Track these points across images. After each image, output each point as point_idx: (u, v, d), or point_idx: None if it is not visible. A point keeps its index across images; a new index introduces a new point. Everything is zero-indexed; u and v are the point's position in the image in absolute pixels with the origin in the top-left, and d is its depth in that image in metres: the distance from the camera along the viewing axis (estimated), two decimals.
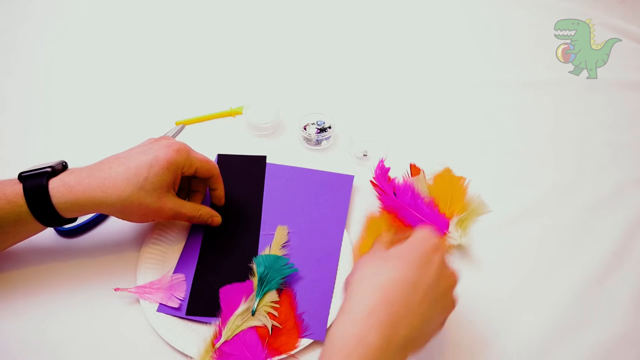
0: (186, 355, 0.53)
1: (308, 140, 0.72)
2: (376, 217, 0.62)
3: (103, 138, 0.73)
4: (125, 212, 0.54)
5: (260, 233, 0.62)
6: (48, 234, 0.60)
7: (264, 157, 0.69)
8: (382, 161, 0.65)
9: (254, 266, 0.57)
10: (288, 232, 0.61)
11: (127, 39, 0.88)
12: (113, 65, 0.83)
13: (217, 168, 0.60)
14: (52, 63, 0.83)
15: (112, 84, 0.80)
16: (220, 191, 0.62)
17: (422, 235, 0.47)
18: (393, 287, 0.43)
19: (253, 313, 0.54)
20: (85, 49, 0.86)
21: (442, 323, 0.47)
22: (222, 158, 0.69)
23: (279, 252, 0.59)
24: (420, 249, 0.46)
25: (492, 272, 0.60)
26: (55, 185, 0.52)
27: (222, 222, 0.62)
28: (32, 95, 0.79)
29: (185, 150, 0.56)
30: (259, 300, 0.55)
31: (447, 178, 0.65)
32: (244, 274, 0.57)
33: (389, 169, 0.65)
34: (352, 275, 0.47)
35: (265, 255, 0.58)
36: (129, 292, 0.56)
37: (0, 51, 0.85)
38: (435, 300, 0.44)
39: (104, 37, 0.88)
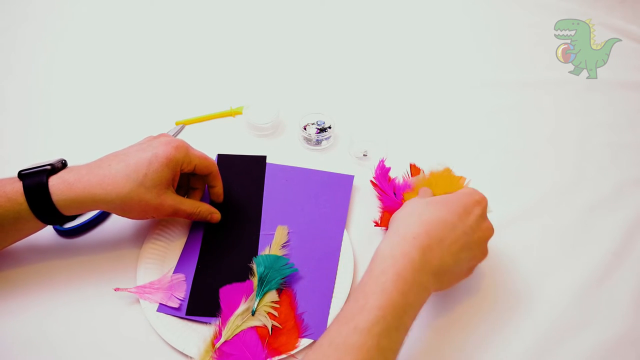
0: (186, 355, 0.53)
1: (308, 140, 0.72)
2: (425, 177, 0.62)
3: (103, 138, 0.73)
4: (124, 208, 0.54)
5: (261, 233, 0.62)
6: (48, 234, 0.60)
7: (264, 157, 0.69)
8: (382, 161, 0.65)
9: (254, 266, 0.56)
10: (288, 232, 0.61)
11: (127, 39, 0.88)
12: (113, 65, 0.83)
13: (216, 165, 0.60)
14: (52, 63, 0.83)
15: (112, 84, 0.81)
16: (218, 188, 0.62)
17: (468, 190, 0.55)
18: (435, 224, 0.50)
19: (253, 313, 0.54)
20: (85, 49, 0.86)
21: (470, 269, 0.54)
22: (222, 158, 0.69)
23: (279, 252, 0.59)
24: (463, 199, 0.53)
25: (492, 272, 0.60)
26: (55, 183, 0.52)
27: (222, 222, 0.62)
28: (32, 95, 0.79)
29: (184, 147, 0.56)
30: (259, 300, 0.55)
31: (447, 178, 0.65)
32: (244, 273, 0.57)
33: (389, 169, 0.65)
34: (400, 212, 0.53)
35: (265, 256, 0.58)
36: (129, 292, 0.56)
37: (0, 51, 0.85)
38: (468, 246, 0.51)
39: (104, 37, 0.88)
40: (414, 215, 0.51)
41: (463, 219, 0.51)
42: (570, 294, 0.59)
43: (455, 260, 0.50)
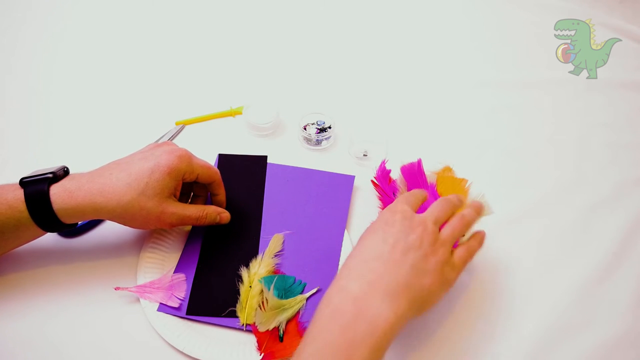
0: (186, 355, 0.53)
1: (308, 140, 0.72)
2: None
3: (103, 138, 0.73)
4: (126, 217, 0.54)
5: (261, 235, 0.62)
6: (48, 234, 0.60)
7: (265, 157, 0.69)
8: (383, 163, 0.65)
9: (265, 289, 0.56)
10: (283, 242, 0.61)
11: (127, 40, 0.88)
12: (113, 65, 0.84)
13: (219, 174, 0.60)
14: (52, 64, 0.83)
15: (112, 84, 0.81)
16: (221, 196, 0.61)
17: (385, 209, 0.53)
18: (365, 250, 0.49)
19: (281, 339, 0.54)
20: (85, 49, 0.86)
21: (438, 271, 0.48)
22: (223, 158, 0.69)
23: (271, 262, 0.59)
24: (383, 216, 0.52)
25: (492, 271, 0.60)
26: (56, 191, 0.52)
27: (222, 225, 0.61)
28: (32, 95, 0.79)
29: (187, 157, 0.56)
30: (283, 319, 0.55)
31: (448, 180, 0.65)
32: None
33: (389, 171, 0.65)
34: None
35: (271, 278, 0.57)
36: (130, 291, 0.56)
37: (0, 51, 0.85)
38: (408, 249, 0.48)
39: (104, 38, 0.88)
40: (351, 255, 0.50)
41: (389, 230, 0.49)
42: (570, 294, 0.59)
43: (408, 268, 0.47)
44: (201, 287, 0.57)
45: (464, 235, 0.54)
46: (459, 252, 0.51)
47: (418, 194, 0.55)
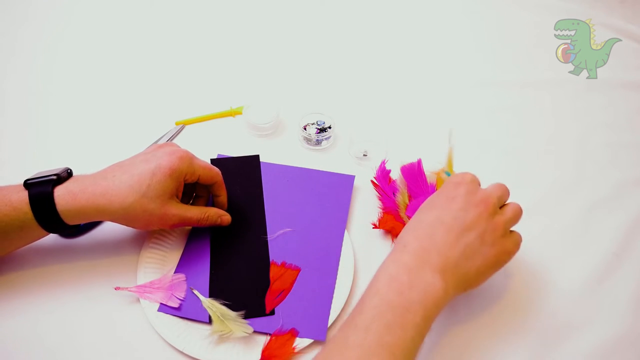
0: (186, 355, 0.53)
1: (308, 140, 0.72)
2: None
3: (103, 138, 0.73)
4: (128, 219, 0.55)
5: (268, 234, 0.62)
6: (49, 234, 0.60)
7: (257, 157, 0.69)
8: (383, 163, 0.65)
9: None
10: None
11: (127, 40, 0.88)
12: (113, 65, 0.84)
13: (220, 175, 0.60)
14: (52, 64, 0.83)
15: (112, 84, 0.81)
16: (223, 197, 0.62)
17: (448, 179, 0.55)
18: (423, 226, 0.51)
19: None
20: (85, 49, 0.86)
21: (495, 254, 0.50)
22: (215, 162, 0.68)
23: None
24: (444, 190, 0.54)
25: None
26: (60, 193, 0.52)
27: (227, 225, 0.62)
28: (32, 95, 0.79)
29: (189, 158, 0.56)
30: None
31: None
32: (261, 277, 0.58)
33: (389, 171, 0.65)
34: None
35: None
36: (130, 291, 0.56)
37: (0, 52, 0.85)
38: (466, 229, 0.50)
39: (104, 38, 0.88)
40: (407, 225, 0.53)
41: (448, 207, 0.51)
42: (570, 294, 0.59)
43: (461, 249, 0.49)
44: (217, 293, 0.57)
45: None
46: (514, 235, 0.53)
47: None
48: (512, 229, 0.53)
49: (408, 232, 0.51)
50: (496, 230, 0.51)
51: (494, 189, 0.53)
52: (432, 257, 0.49)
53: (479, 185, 0.54)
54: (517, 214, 0.53)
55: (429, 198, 0.54)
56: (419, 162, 0.63)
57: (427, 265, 0.48)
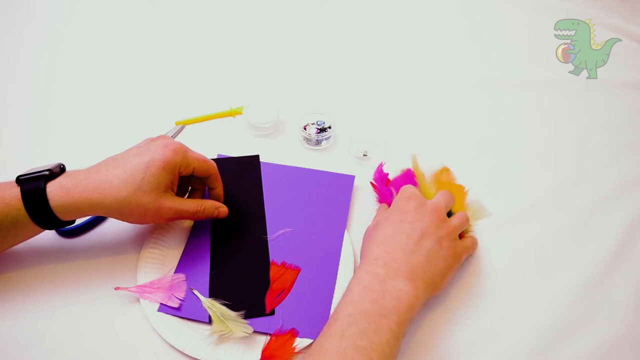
0: (186, 355, 0.53)
1: (308, 140, 0.72)
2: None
3: (103, 138, 0.73)
4: (123, 213, 0.54)
5: (267, 235, 0.62)
6: (48, 234, 0.60)
7: (257, 157, 0.69)
8: (381, 165, 0.65)
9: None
10: None
11: (127, 40, 0.88)
12: (113, 65, 0.84)
13: (215, 167, 0.60)
14: (52, 63, 0.83)
15: (112, 84, 0.81)
16: (219, 190, 0.61)
17: (399, 194, 0.60)
18: (386, 239, 0.55)
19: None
20: (85, 49, 0.86)
21: (453, 256, 0.55)
22: (215, 162, 0.68)
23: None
24: (397, 204, 0.58)
25: (491, 271, 0.60)
26: (53, 189, 0.52)
27: (227, 224, 0.62)
28: (32, 94, 0.79)
29: (182, 150, 0.56)
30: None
31: (445, 184, 0.65)
32: (261, 278, 0.58)
33: (387, 174, 0.65)
34: (364, 241, 0.58)
35: None
36: (130, 291, 0.56)
37: (0, 52, 0.85)
38: (424, 235, 0.54)
39: (104, 38, 0.88)
40: (372, 240, 0.56)
41: (405, 219, 0.56)
42: (570, 294, 0.59)
43: (424, 255, 0.53)
44: (218, 293, 0.57)
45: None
46: (466, 240, 0.59)
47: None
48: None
49: (376, 246, 0.55)
50: (450, 235, 0.56)
51: (440, 198, 0.59)
52: (402, 266, 0.52)
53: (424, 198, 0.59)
54: (465, 221, 0.59)
55: (385, 213, 0.59)
56: (409, 172, 0.65)
57: (398, 273, 0.51)
